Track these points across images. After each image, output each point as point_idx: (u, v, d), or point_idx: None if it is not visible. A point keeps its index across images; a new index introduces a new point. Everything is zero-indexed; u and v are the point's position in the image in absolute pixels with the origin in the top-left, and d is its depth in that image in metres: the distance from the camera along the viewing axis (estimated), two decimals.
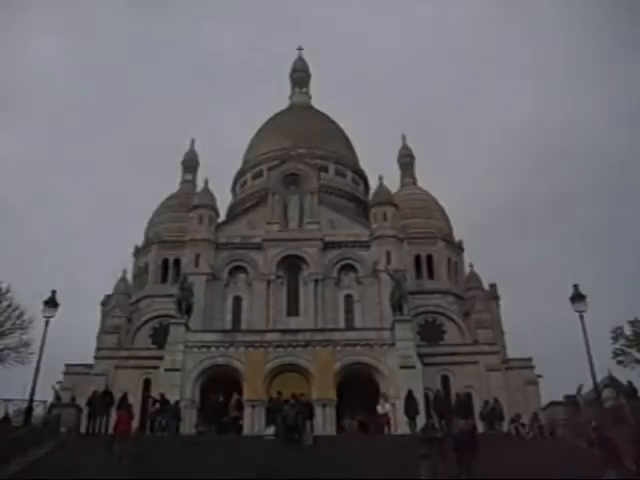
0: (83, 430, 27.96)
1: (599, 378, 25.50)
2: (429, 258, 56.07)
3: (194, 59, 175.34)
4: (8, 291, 33.35)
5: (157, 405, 30.83)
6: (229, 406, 30.76)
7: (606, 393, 25.68)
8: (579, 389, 28.38)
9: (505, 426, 30.92)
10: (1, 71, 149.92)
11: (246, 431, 35.65)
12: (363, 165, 69.60)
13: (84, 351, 50.16)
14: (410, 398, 30.85)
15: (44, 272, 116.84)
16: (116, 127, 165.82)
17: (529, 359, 47.35)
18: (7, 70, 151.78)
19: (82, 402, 29.99)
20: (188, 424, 35.14)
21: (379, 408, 33.92)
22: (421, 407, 32.97)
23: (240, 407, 31.83)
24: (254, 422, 37.55)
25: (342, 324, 47.59)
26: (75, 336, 61.68)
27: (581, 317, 25.82)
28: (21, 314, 33.18)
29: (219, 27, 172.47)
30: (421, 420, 29.16)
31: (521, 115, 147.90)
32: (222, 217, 56.84)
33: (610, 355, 37.36)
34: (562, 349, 57.65)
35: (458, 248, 59.02)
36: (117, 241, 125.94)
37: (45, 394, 28.75)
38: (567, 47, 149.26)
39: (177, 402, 32.43)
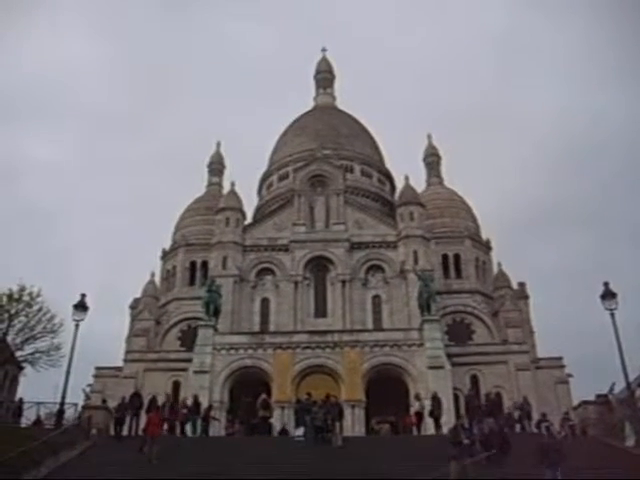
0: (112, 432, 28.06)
1: (632, 377, 25.09)
2: (457, 257, 55.73)
3: (219, 63, 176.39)
4: (39, 295, 33.64)
5: (185, 410, 30.92)
6: (256, 406, 30.83)
7: (639, 392, 25.28)
8: (611, 388, 27.96)
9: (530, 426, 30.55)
10: (33, 77, 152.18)
11: (275, 432, 35.67)
12: (389, 165, 69.50)
13: (115, 354, 50.75)
14: (434, 399, 30.76)
15: (79, 277, 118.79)
16: (145, 131, 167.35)
17: (559, 358, 46.82)
18: (39, 76, 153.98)
19: (112, 404, 30.19)
20: (217, 426, 35.24)
21: (412, 409, 33.91)
22: (451, 407, 32.80)
23: (267, 406, 31.83)
24: (283, 423, 37.57)
25: (370, 325, 47.53)
26: (107, 339, 62.47)
27: (612, 315, 25.45)
28: (52, 318, 33.44)
29: (244, 30, 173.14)
30: (447, 421, 29.18)
31: (550, 113, 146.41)
32: (249, 219, 57.11)
33: None
34: (594, 348, 57.02)
35: (486, 247, 58.57)
36: (149, 245, 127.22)
37: (76, 397, 29.04)
38: (596, 45, 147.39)
39: (209, 408, 32.51)
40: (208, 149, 69.77)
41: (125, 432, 27.64)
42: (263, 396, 32.02)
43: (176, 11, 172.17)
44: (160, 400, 29.42)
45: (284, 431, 32.01)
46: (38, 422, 27.50)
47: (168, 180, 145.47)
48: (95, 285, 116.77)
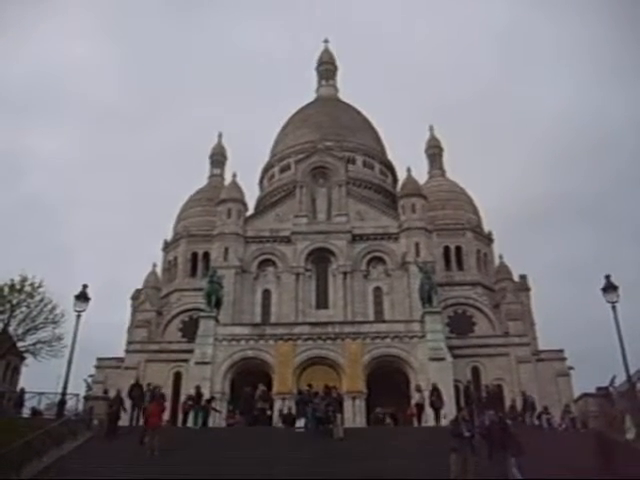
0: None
1: (632, 370, 25.09)
2: (458, 249, 55.68)
3: (221, 55, 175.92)
4: (40, 286, 33.56)
5: (190, 402, 30.94)
6: (255, 398, 30.82)
7: None
8: (612, 380, 27.94)
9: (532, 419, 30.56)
10: (37, 72, 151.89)
11: (281, 418, 35.61)
12: (391, 157, 69.37)
13: (117, 345, 50.85)
14: (434, 390, 30.79)
15: (81, 268, 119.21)
16: (148, 124, 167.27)
17: (560, 351, 46.80)
18: (42, 71, 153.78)
19: (113, 395, 30.19)
20: (218, 417, 35.30)
21: (413, 401, 33.94)
22: (452, 399, 32.77)
23: (266, 398, 31.83)
24: (289, 407, 37.51)
25: (371, 316, 47.50)
26: (109, 330, 62.54)
27: (613, 308, 25.49)
28: (53, 308, 33.39)
29: (247, 23, 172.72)
30: (448, 413, 29.21)
31: (553, 108, 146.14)
32: (250, 211, 56.98)
33: None
34: (595, 341, 57.04)
35: (487, 239, 58.51)
36: (151, 236, 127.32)
37: (78, 387, 29.06)
38: (598, 41, 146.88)
39: (210, 399, 32.52)
40: (210, 141, 69.85)
41: (126, 423, 27.58)
42: (262, 387, 32.01)
43: (177, 6, 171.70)
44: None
45: (290, 415, 31.72)
46: (36, 413, 27.48)
47: (170, 172, 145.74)
48: (97, 276, 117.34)
